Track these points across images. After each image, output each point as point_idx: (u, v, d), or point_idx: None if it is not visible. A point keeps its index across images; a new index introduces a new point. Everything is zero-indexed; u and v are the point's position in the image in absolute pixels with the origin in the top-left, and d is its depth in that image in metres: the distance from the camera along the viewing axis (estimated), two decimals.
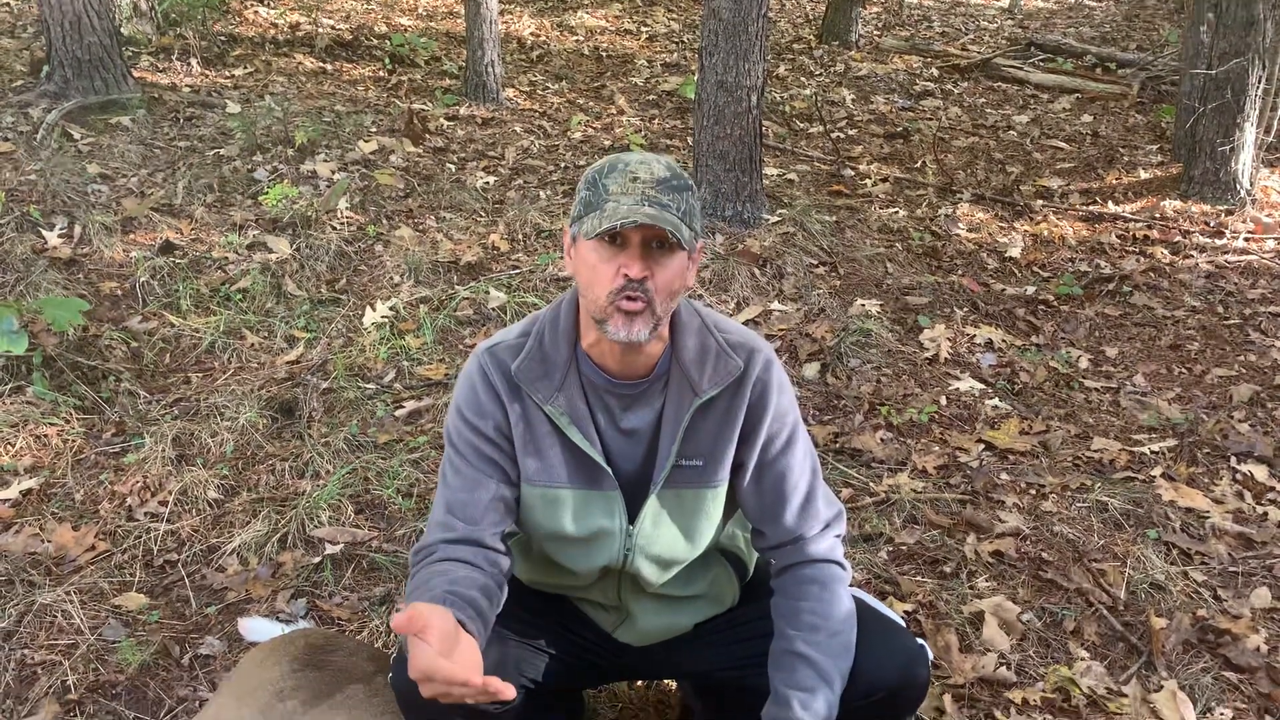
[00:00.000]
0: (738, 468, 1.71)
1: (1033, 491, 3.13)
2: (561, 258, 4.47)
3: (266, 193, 4.75)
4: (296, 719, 1.71)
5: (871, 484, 3.12)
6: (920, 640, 1.74)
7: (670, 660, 1.93)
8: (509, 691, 1.30)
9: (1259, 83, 5.51)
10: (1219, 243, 5.21)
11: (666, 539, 1.71)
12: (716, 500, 1.72)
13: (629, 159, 1.57)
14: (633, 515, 1.70)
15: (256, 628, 2.36)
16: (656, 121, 6.87)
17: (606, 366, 1.65)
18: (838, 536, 1.76)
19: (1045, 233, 5.33)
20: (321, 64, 7.38)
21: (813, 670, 1.63)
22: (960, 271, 4.79)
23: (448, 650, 1.33)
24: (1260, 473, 3.23)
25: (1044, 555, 2.81)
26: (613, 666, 1.95)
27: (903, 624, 1.78)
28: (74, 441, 3.15)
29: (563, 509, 1.68)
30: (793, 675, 1.64)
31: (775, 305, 4.22)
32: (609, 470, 1.67)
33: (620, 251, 1.53)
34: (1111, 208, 5.67)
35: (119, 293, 4.01)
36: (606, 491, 1.68)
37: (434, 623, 1.32)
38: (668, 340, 1.67)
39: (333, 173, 5.19)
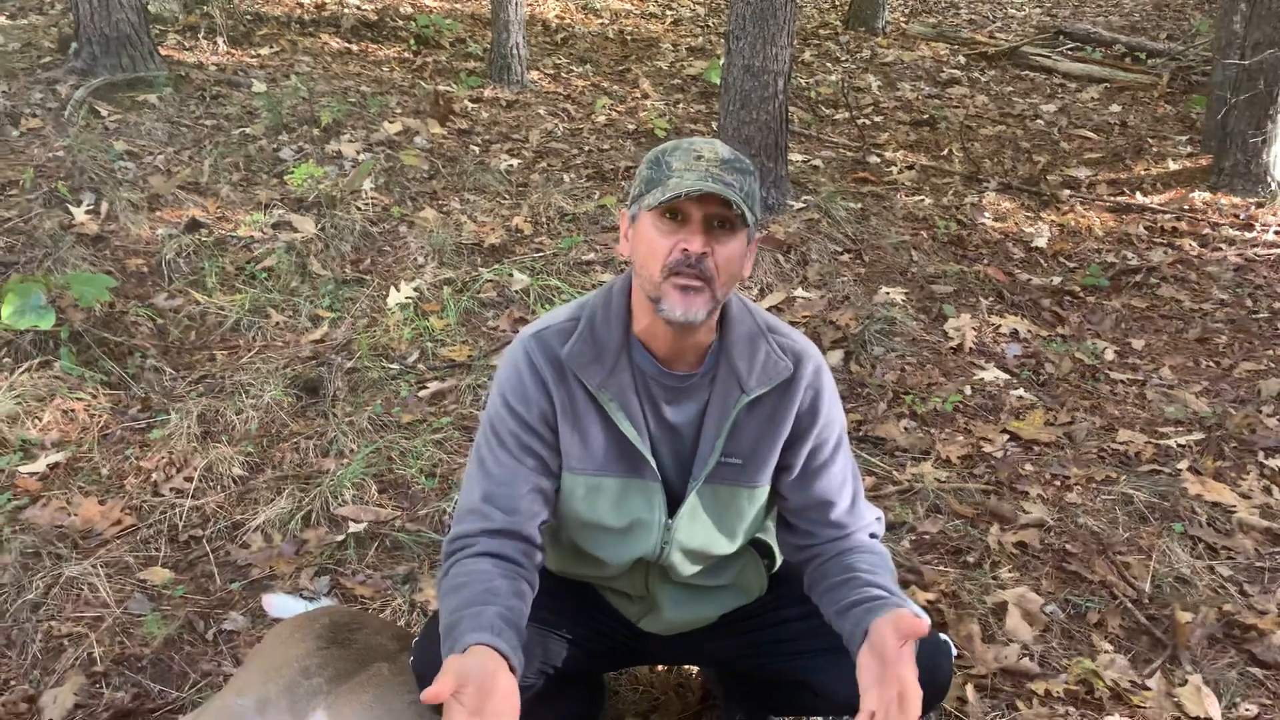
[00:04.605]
0: (782, 469, 1.70)
1: (1057, 483, 3.11)
2: (583, 241, 4.47)
3: (292, 172, 4.76)
4: (322, 696, 1.72)
5: (895, 473, 3.11)
6: (944, 636, 1.73)
7: (693, 648, 1.92)
8: None
9: None
10: (1248, 235, 5.16)
11: (703, 534, 1.71)
12: (754, 501, 1.71)
13: (693, 140, 1.57)
14: (672, 509, 1.68)
15: (280, 604, 2.37)
16: (681, 106, 6.84)
17: (656, 352, 1.63)
18: (874, 536, 1.77)
19: (1072, 223, 5.28)
20: (347, 44, 7.38)
21: (881, 577, 1.66)
22: (986, 261, 4.75)
23: (481, 703, 1.34)
24: None
25: (1068, 547, 2.80)
26: (635, 653, 1.95)
27: (926, 618, 1.77)
28: (100, 416, 3.17)
29: (603, 497, 1.66)
30: (864, 582, 1.64)
31: (799, 292, 4.20)
32: (652, 461, 1.65)
33: (681, 227, 1.52)
34: (1139, 199, 5.61)
35: (145, 269, 4.03)
36: (648, 481, 1.66)
37: (470, 676, 1.35)
38: (716, 334, 1.65)
39: (358, 153, 5.20)
